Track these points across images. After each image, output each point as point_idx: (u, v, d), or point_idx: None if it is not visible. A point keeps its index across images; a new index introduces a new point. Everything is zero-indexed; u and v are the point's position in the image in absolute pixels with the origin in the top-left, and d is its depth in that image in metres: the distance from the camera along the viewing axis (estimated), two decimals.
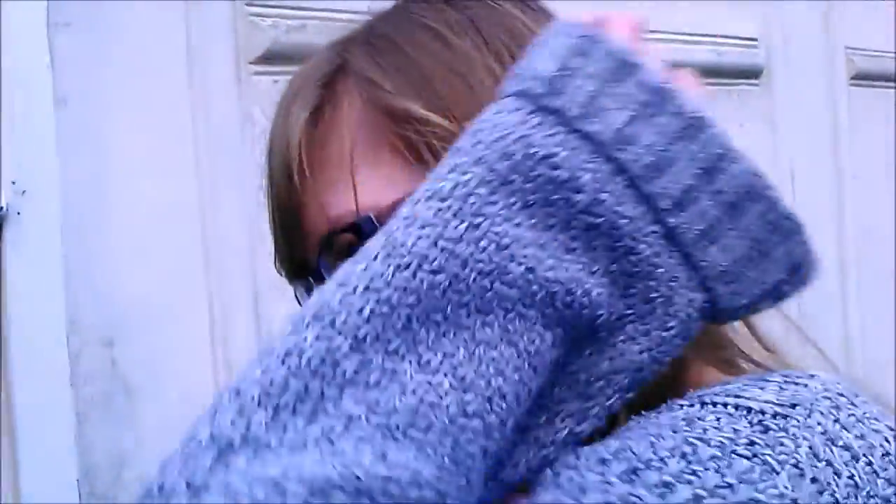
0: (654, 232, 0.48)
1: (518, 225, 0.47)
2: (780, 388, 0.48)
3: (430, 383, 0.43)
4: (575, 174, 0.47)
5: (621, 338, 0.49)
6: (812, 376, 0.50)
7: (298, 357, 0.43)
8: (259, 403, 0.42)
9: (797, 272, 0.50)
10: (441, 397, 0.43)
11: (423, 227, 0.46)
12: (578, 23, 0.50)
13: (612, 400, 0.50)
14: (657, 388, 0.51)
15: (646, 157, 0.48)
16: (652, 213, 0.48)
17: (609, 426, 0.50)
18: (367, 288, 0.44)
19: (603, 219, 0.47)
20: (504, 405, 0.45)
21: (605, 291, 0.48)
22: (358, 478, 0.40)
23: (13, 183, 1.02)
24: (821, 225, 1.80)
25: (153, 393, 1.08)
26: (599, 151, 0.48)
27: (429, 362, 0.44)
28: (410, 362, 0.43)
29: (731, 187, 0.49)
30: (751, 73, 1.81)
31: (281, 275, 0.65)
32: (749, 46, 1.81)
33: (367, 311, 0.44)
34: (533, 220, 0.47)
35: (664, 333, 0.49)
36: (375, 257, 0.45)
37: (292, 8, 1.20)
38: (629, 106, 0.48)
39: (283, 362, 0.43)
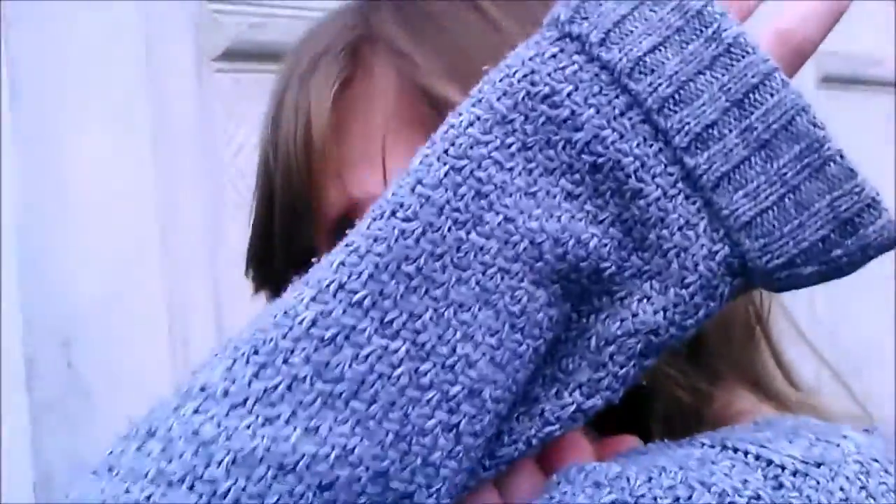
0: (668, 173, 0.43)
1: (509, 169, 0.43)
2: (811, 444, 0.44)
3: (385, 349, 0.40)
4: (576, 110, 0.43)
5: (637, 297, 0.44)
6: (845, 436, 0.45)
7: (272, 313, 0.42)
8: (229, 354, 0.41)
9: (850, 231, 0.43)
10: (393, 367, 0.41)
11: (407, 174, 0.43)
12: None
13: (625, 368, 0.45)
14: (689, 408, 0.49)
15: (665, 88, 0.43)
16: (668, 152, 0.43)
17: (643, 439, 0.48)
18: (346, 244, 0.42)
19: (604, 158, 0.43)
20: (474, 374, 0.42)
21: (610, 242, 0.44)
22: (283, 454, 0.39)
23: None
24: None
25: (111, 395, 1.06)
26: (614, 82, 0.43)
27: (391, 322, 0.41)
28: (372, 319, 0.40)
29: (765, 123, 0.43)
30: None
31: (249, 276, 0.62)
32: None
33: (336, 263, 0.41)
34: (530, 165, 0.43)
35: (682, 291, 0.44)
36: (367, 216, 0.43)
37: (255, 5, 1.19)
38: (659, 31, 0.43)
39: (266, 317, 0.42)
